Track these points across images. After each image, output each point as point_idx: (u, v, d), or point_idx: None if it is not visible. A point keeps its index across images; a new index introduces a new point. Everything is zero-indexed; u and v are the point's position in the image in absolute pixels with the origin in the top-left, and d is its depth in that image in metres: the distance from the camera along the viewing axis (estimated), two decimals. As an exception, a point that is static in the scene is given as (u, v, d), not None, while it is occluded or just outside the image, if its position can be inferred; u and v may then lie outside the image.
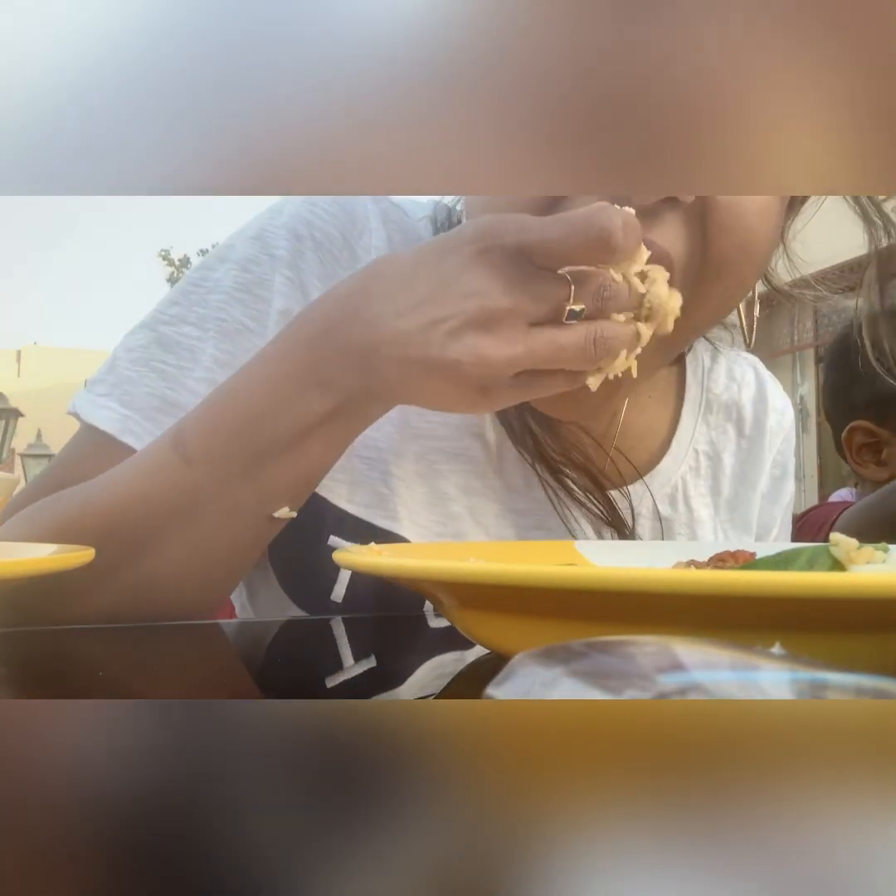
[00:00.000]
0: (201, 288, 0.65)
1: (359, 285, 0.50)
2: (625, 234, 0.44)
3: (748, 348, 0.71)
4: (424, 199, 0.73)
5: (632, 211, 0.47)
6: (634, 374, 0.50)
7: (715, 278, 0.56)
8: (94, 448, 0.62)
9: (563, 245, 0.45)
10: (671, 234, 0.53)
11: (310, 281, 0.64)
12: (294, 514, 0.54)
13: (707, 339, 0.81)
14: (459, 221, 0.69)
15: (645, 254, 0.48)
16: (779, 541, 0.84)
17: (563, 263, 0.46)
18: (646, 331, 0.49)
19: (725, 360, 0.82)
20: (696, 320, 0.58)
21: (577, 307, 0.46)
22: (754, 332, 0.68)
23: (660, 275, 0.49)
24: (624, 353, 0.49)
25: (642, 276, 0.48)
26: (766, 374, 0.86)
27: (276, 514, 0.53)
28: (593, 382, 0.50)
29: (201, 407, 0.54)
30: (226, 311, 0.63)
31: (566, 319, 0.46)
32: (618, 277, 0.47)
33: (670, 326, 0.50)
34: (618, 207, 0.46)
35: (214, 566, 0.55)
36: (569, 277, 0.46)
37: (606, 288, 0.47)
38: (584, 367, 0.48)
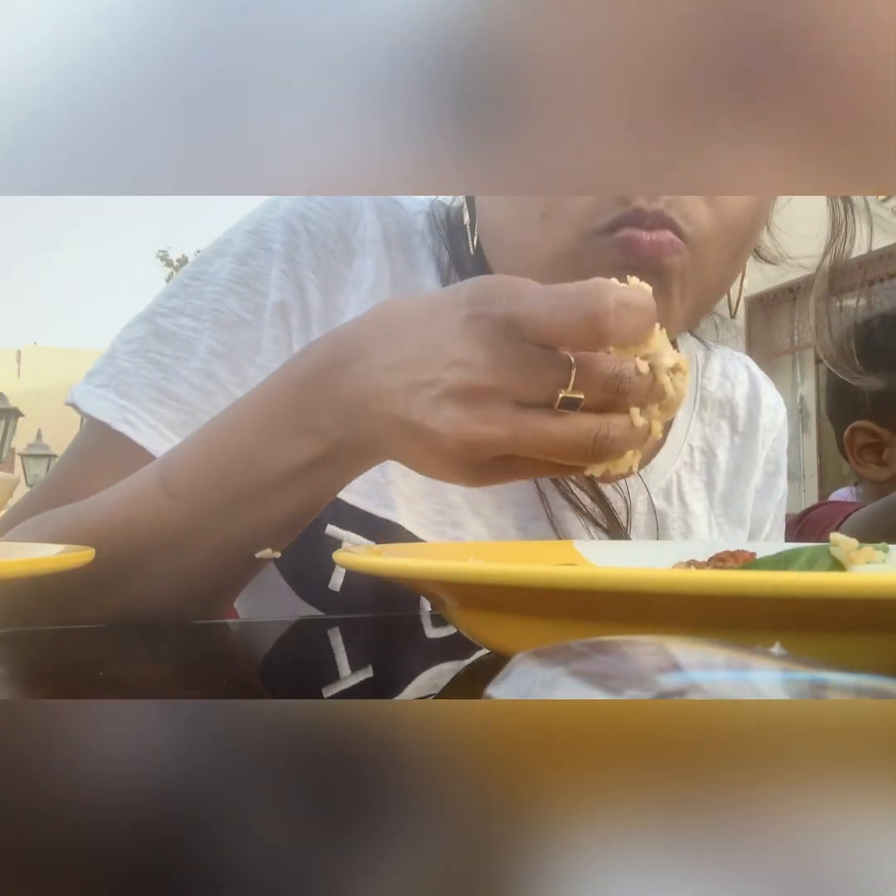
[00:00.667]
0: (198, 281, 0.65)
1: (354, 332, 0.48)
2: (618, 316, 0.39)
3: (732, 317, 0.73)
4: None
5: (647, 288, 0.41)
6: (635, 471, 0.44)
7: (703, 258, 0.57)
8: (93, 440, 0.64)
9: (549, 322, 0.40)
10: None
11: (305, 274, 0.65)
12: (277, 555, 0.53)
13: (698, 337, 0.83)
14: (458, 219, 0.70)
15: (662, 339, 0.41)
16: (772, 535, 0.86)
17: (551, 343, 0.41)
18: (659, 429, 0.42)
19: (719, 359, 0.85)
20: (699, 297, 0.60)
21: (573, 395, 0.40)
22: (739, 305, 0.70)
23: (688, 368, 0.42)
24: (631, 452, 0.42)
25: (674, 369, 0.42)
26: (759, 373, 0.88)
27: (259, 555, 0.52)
28: (596, 470, 0.43)
29: (189, 440, 0.53)
30: (222, 302, 0.64)
31: (558, 407, 0.40)
32: (643, 367, 0.40)
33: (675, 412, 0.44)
34: (619, 284, 0.40)
35: (199, 596, 0.55)
36: (572, 359, 0.40)
37: (624, 380, 0.40)
38: (578, 463, 0.42)
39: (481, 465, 0.43)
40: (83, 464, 0.64)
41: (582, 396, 0.40)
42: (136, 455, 0.60)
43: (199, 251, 0.73)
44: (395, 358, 0.44)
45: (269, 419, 0.50)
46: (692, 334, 0.83)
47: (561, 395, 0.40)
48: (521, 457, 0.42)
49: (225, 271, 0.65)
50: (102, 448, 0.62)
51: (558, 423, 0.40)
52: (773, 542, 0.84)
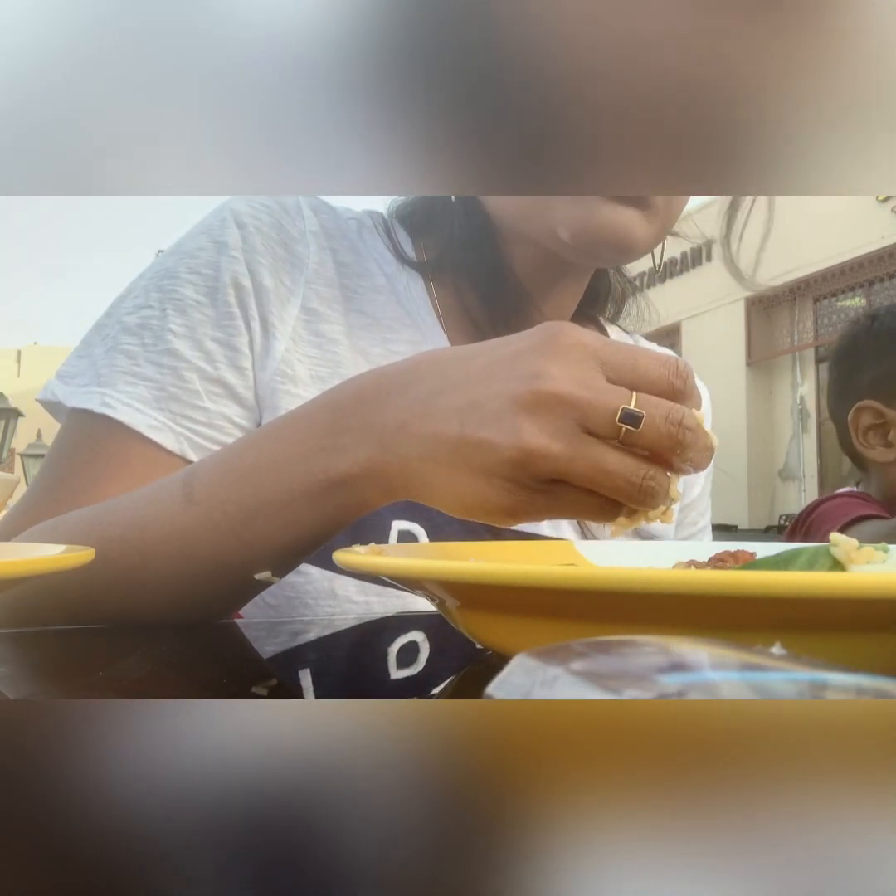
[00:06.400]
0: (155, 277, 0.71)
1: (403, 366, 0.48)
2: (693, 381, 0.43)
3: (656, 272, 0.81)
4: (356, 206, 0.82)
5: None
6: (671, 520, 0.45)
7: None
8: (83, 431, 0.67)
9: (650, 364, 0.42)
10: None
11: (254, 258, 0.70)
12: (276, 580, 0.53)
13: (622, 327, 0.92)
14: (396, 222, 0.79)
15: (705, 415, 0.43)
16: (702, 498, 0.94)
17: (633, 379, 0.42)
18: (677, 493, 0.44)
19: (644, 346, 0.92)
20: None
21: (637, 411, 0.41)
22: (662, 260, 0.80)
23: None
24: (662, 507, 0.43)
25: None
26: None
27: (258, 576, 0.52)
28: (616, 529, 0.44)
29: (221, 451, 0.55)
30: (178, 291, 0.69)
31: (620, 420, 0.40)
32: (690, 423, 0.42)
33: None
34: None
35: (194, 610, 0.55)
36: (632, 394, 0.41)
37: (686, 426, 0.42)
38: (623, 501, 0.43)
39: (524, 486, 0.42)
40: (81, 459, 0.66)
41: (644, 413, 0.41)
42: (121, 435, 0.64)
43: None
44: (450, 381, 0.44)
45: (297, 437, 0.50)
46: (618, 325, 0.91)
47: (622, 408, 0.40)
48: (566, 487, 0.42)
49: (180, 265, 0.70)
50: (91, 436, 0.66)
51: (613, 456, 0.41)
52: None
